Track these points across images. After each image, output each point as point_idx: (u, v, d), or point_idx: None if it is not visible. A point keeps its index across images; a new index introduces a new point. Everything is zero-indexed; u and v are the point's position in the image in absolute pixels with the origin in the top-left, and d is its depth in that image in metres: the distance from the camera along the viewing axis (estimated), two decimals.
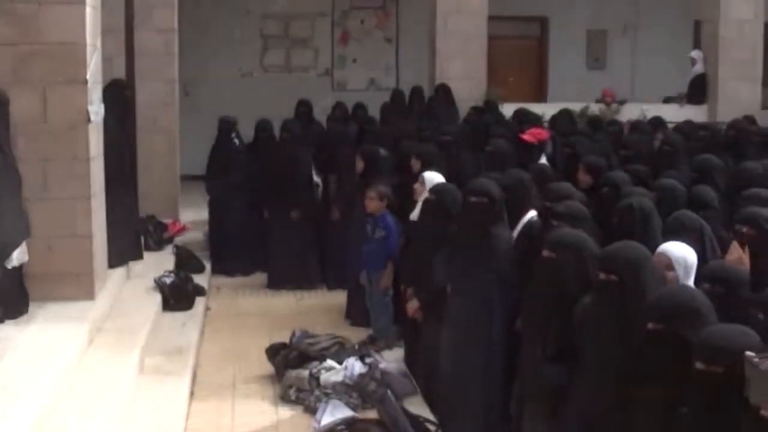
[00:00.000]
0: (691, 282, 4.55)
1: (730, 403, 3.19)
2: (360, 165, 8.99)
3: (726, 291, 4.21)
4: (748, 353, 3.11)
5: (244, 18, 17.32)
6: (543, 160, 8.98)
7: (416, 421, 5.96)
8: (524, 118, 11.01)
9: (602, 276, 4.17)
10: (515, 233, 6.01)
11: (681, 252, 4.67)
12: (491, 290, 5.58)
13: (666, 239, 5.07)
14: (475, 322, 5.64)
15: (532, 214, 6.21)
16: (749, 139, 9.76)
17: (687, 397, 3.41)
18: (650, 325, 3.69)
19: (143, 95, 11.31)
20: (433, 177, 7.40)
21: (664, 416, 3.61)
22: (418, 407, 6.32)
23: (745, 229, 5.19)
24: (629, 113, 14.08)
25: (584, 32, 18.26)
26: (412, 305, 6.67)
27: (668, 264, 4.57)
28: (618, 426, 3.97)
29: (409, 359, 7.22)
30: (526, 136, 9.38)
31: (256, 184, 10.60)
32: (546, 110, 12.78)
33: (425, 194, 6.97)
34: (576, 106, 13.65)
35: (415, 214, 7.20)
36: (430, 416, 6.15)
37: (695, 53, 15.49)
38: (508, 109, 12.81)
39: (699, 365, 3.30)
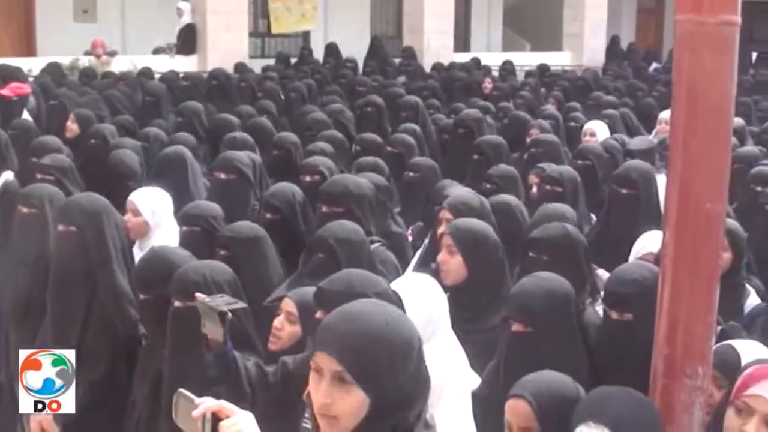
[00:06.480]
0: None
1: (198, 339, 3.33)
2: None
3: (203, 230, 4.47)
4: (199, 295, 3.27)
5: None
6: (26, 115, 8.81)
7: None
8: (5, 73, 10.65)
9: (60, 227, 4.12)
10: None
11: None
12: None
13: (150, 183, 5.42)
14: None
15: (8, 175, 6.06)
16: (232, 87, 10.42)
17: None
18: (141, 297, 3.73)
19: None
20: None
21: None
22: None
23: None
24: (120, 65, 14.14)
25: None
26: None
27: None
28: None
29: None
30: (4, 92, 9.12)
31: None
32: (34, 65, 12.45)
33: None
34: (66, 60, 13.45)
35: None
36: None
37: (183, 4, 15.85)
38: None
39: (177, 303, 3.50)
